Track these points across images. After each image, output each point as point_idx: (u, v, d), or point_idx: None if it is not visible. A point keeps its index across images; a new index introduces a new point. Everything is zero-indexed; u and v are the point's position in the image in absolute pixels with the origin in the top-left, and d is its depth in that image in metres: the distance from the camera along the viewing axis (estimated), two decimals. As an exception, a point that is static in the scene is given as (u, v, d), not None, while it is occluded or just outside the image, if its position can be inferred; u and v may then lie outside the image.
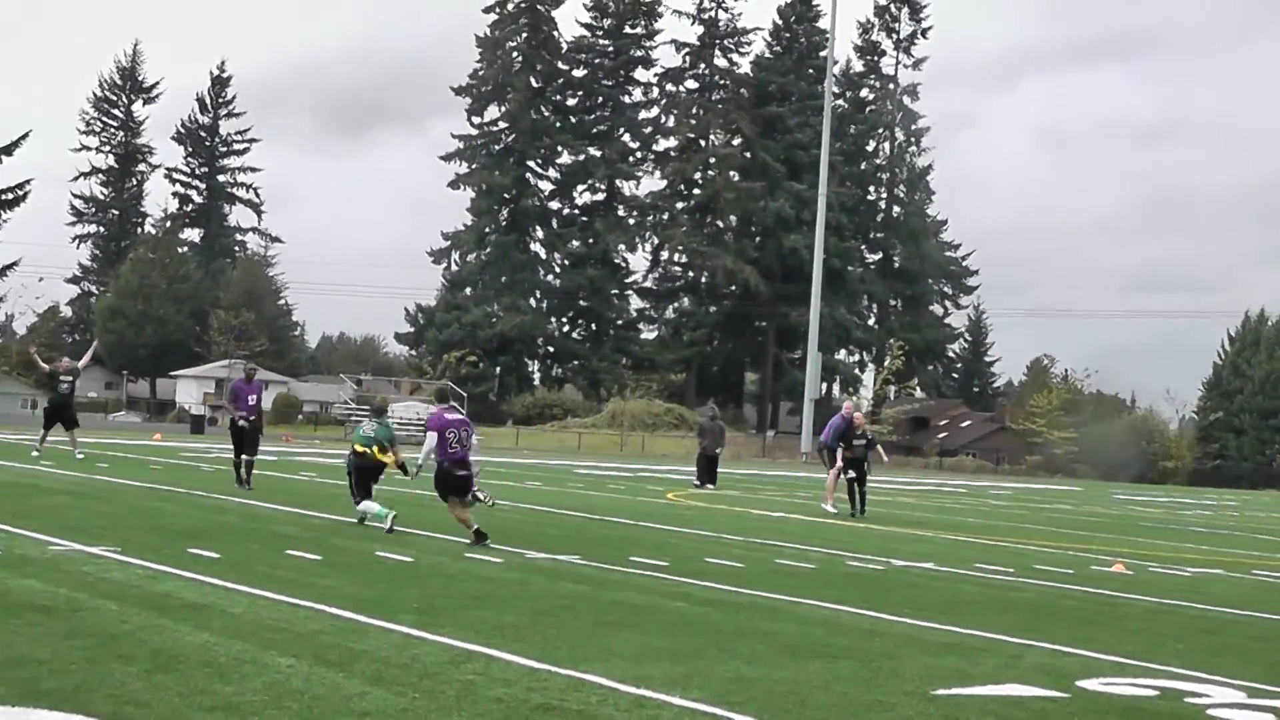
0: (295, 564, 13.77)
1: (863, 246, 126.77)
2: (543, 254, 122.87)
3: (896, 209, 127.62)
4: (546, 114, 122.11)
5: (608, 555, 16.39)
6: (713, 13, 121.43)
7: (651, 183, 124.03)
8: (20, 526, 15.62)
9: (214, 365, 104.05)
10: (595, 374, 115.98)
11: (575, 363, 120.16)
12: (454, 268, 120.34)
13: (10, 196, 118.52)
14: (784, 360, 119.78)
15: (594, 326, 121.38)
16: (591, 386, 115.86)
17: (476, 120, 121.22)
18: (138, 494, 22.54)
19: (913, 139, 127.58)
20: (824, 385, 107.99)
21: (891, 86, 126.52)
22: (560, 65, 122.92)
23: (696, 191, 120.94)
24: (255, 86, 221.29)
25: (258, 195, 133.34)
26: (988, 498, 46.11)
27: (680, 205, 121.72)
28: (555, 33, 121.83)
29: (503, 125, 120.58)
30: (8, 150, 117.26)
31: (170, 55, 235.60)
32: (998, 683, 9.22)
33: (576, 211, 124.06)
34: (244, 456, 24.43)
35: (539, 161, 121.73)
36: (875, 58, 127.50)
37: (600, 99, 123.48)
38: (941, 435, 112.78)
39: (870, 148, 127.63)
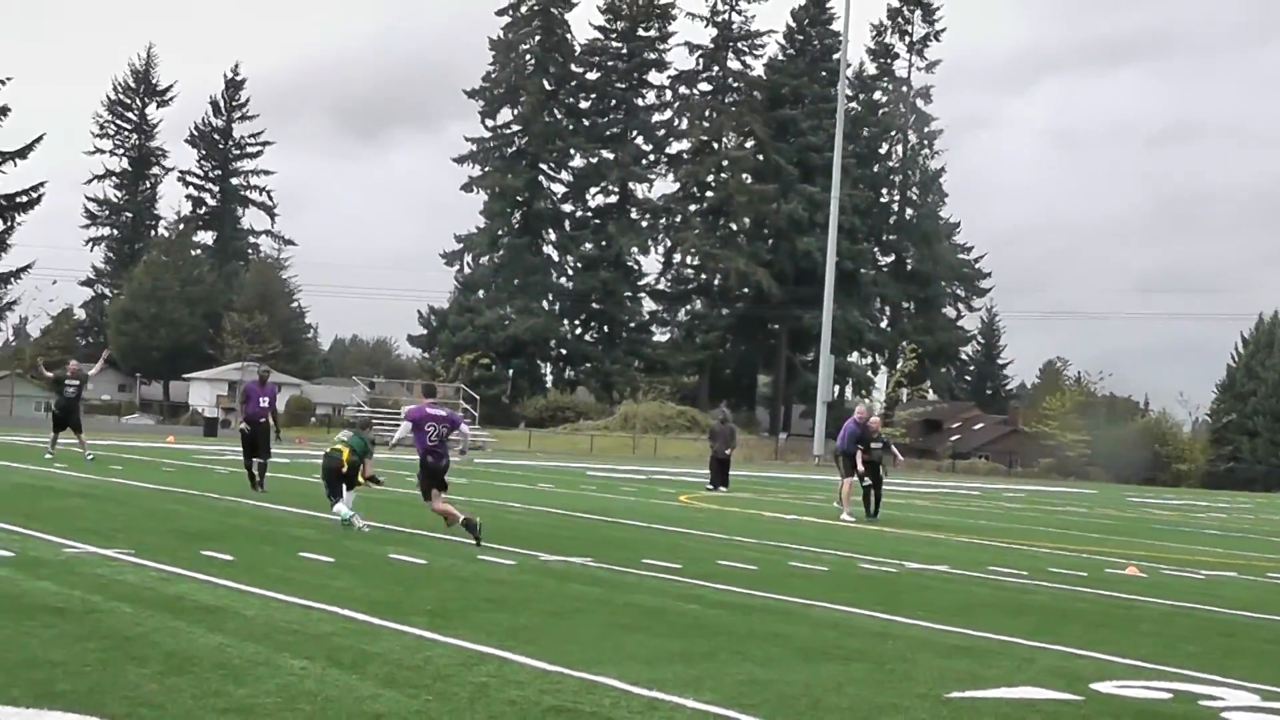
0: (308, 566, 13.79)
1: (875, 249, 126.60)
2: (555, 256, 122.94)
3: (909, 211, 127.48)
4: (559, 116, 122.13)
5: (620, 558, 16.39)
6: (726, 15, 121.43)
7: (664, 185, 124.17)
8: (35, 529, 15.66)
9: (227, 368, 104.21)
10: (608, 376, 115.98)
11: (588, 365, 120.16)
12: (467, 270, 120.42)
13: (24, 199, 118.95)
14: (796, 363, 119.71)
15: (606, 329, 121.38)
16: (604, 389, 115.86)
17: (490, 123, 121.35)
18: (151, 496, 22.58)
19: (926, 141, 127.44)
20: (836, 388, 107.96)
21: (904, 89, 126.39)
22: (573, 68, 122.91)
23: (709, 194, 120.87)
24: (269, 89, 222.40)
25: (271, 198, 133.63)
26: (1000, 500, 46.06)
27: (693, 208, 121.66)
28: (568, 35, 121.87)
29: (516, 128, 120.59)
30: (22, 154, 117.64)
31: (184, 58, 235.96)
32: (1011, 685, 9.21)
33: (589, 214, 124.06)
34: (256, 459, 24.44)
35: (552, 164, 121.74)
36: (888, 60, 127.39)
37: (613, 101, 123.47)
38: (954, 438, 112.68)
39: (883, 150, 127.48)
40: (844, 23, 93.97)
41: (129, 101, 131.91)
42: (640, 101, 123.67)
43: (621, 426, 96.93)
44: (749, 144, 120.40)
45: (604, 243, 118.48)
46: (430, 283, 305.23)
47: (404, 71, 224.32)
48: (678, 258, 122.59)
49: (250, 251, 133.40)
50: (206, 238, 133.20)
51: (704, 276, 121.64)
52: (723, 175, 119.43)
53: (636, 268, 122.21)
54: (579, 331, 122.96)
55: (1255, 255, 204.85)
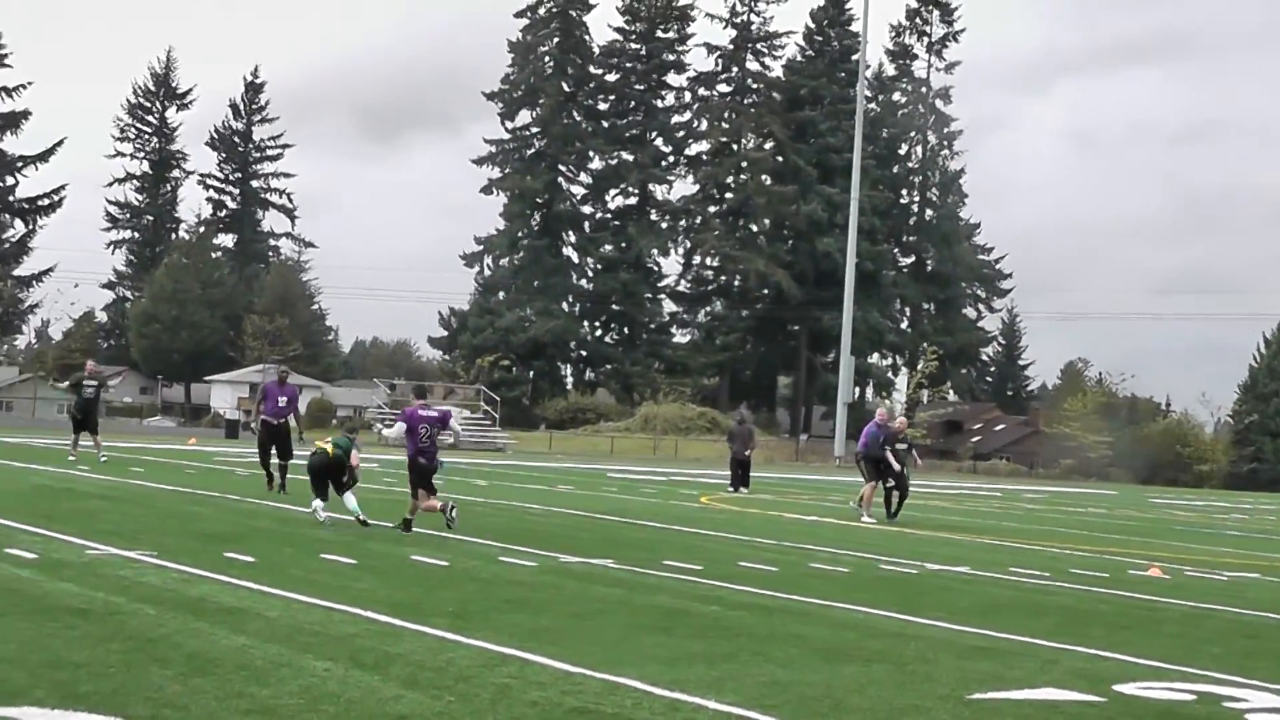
0: (330, 568, 13.81)
1: (895, 250, 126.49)
2: (575, 258, 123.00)
3: (929, 212, 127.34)
4: (578, 118, 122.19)
5: (641, 559, 16.39)
6: (745, 16, 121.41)
7: (684, 186, 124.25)
8: (57, 530, 15.72)
9: (248, 370, 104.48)
10: (628, 378, 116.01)
11: (608, 367, 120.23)
12: (487, 272, 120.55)
13: (46, 203, 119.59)
14: (817, 364, 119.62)
15: (626, 330, 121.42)
16: (624, 390, 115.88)
17: (509, 125, 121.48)
18: (173, 498, 22.64)
19: (945, 142, 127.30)
20: (857, 389, 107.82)
21: (924, 90, 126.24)
22: (592, 69, 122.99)
23: (729, 195, 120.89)
24: (289, 92, 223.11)
25: (291, 201, 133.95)
26: (1021, 501, 45.97)
27: (712, 209, 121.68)
28: (587, 37, 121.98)
29: (535, 130, 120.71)
30: (43, 157, 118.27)
31: (203, 62, 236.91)
32: (1033, 687, 9.19)
33: (609, 215, 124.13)
34: (277, 460, 24.44)
35: (571, 166, 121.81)
36: (907, 61, 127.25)
37: (632, 103, 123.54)
38: (975, 439, 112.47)
39: (903, 151, 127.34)
40: (863, 24, 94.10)
41: (149, 105, 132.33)
42: (659, 103, 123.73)
43: (642, 428, 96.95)
44: (768, 145, 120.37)
45: (624, 244, 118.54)
46: (450, 285, 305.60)
47: (423, 74, 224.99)
48: (697, 259, 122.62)
49: (270, 254, 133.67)
50: (227, 240, 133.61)
51: (724, 278, 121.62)
52: (742, 177, 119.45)
53: (656, 269, 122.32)
54: (599, 333, 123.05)
55: (1277, 255, 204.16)
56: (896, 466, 27.64)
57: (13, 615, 9.70)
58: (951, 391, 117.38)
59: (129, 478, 27.23)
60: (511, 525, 20.81)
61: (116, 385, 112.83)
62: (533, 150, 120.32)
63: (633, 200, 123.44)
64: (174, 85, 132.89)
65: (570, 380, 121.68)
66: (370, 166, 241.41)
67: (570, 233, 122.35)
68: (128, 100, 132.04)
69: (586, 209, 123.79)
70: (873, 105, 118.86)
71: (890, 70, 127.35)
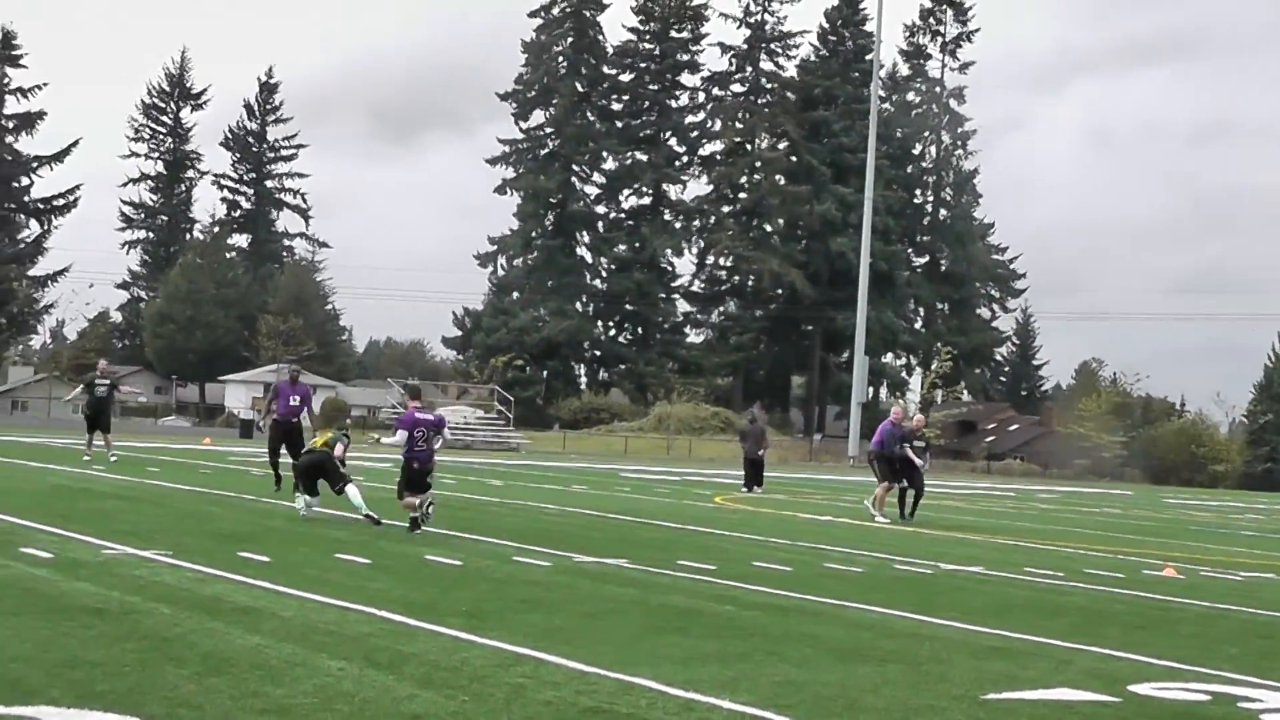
0: (345, 567, 13.84)
1: (909, 250, 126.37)
2: (589, 258, 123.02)
3: (943, 212, 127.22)
4: (592, 118, 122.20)
5: (655, 559, 16.39)
6: (759, 16, 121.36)
7: (697, 187, 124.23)
8: (73, 530, 15.77)
9: (262, 370, 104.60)
10: (642, 378, 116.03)
11: (622, 367, 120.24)
12: (500, 272, 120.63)
13: (61, 203, 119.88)
14: (831, 364, 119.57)
15: (640, 330, 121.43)
16: (638, 390, 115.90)
17: (522, 125, 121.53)
18: (188, 498, 22.69)
19: (959, 142, 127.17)
20: (871, 389, 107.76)
21: (938, 90, 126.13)
22: (606, 69, 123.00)
23: (742, 195, 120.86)
24: (303, 93, 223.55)
25: (305, 201, 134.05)
26: (1035, 501, 45.91)
27: (726, 209, 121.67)
28: (600, 37, 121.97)
29: (548, 130, 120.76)
30: (58, 157, 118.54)
31: (217, 62, 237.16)
32: (1048, 687, 9.18)
33: (623, 215, 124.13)
34: (292, 460, 24.46)
35: (585, 166, 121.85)
36: (921, 61, 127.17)
37: (646, 103, 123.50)
38: (989, 439, 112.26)
39: (916, 151, 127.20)
40: (877, 24, 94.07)
41: (163, 105, 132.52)
42: (673, 103, 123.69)
43: (656, 428, 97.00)
44: (782, 145, 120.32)
45: (637, 244, 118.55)
46: (464, 285, 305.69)
47: (437, 74, 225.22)
48: (711, 259, 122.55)
49: (285, 254, 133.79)
50: (241, 240, 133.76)
51: (737, 278, 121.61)
52: (756, 176, 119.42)
53: (670, 269, 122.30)
54: (613, 333, 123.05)
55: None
56: (919, 462, 27.61)
57: (29, 614, 9.73)
58: (965, 391, 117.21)
59: (145, 477, 27.30)
60: (526, 525, 20.82)
61: (135, 393, 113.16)
62: (546, 150, 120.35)
63: (646, 200, 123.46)
64: (188, 85, 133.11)
65: (584, 380, 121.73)
66: (384, 166, 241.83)
67: (584, 233, 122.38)
68: (142, 100, 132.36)
69: (600, 209, 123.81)
70: (886, 105, 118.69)
71: (904, 70, 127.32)
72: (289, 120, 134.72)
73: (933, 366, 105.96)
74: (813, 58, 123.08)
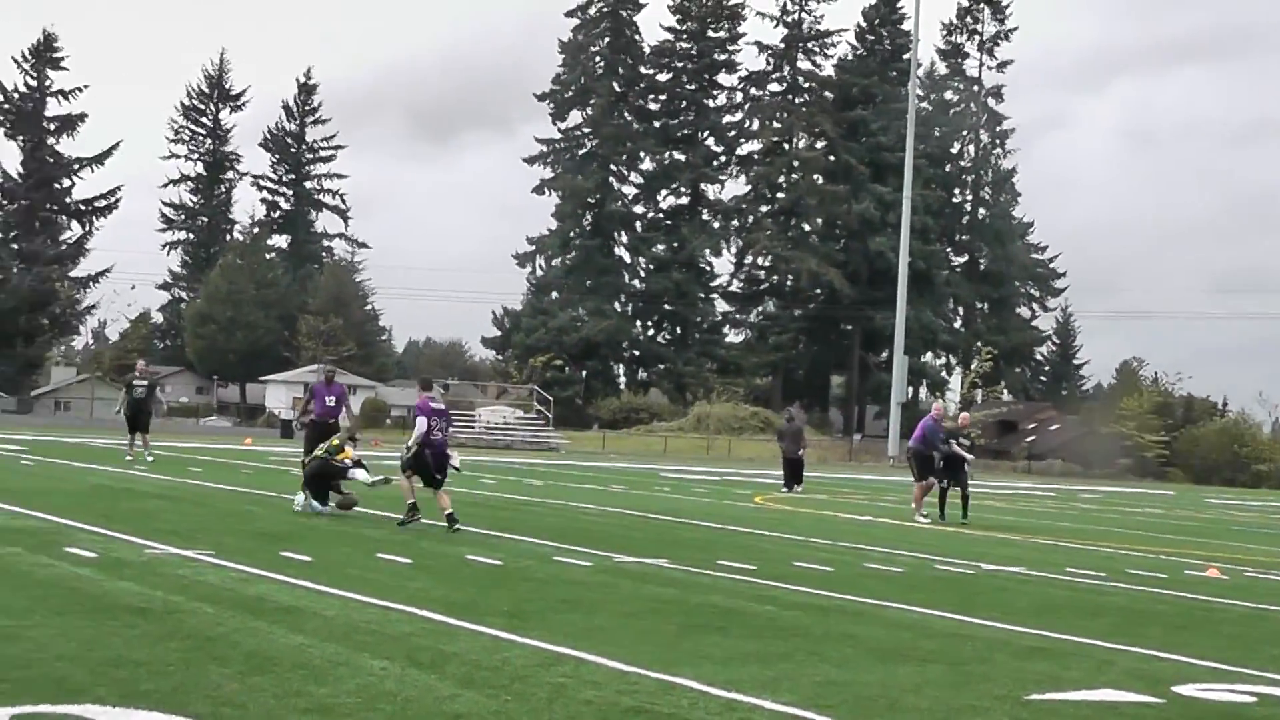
0: (386, 567, 13.88)
1: (948, 249, 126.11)
2: (627, 258, 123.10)
3: (982, 211, 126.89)
4: (629, 118, 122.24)
5: (695, 559, 16.39)
6: (796, 15, 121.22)
7: (735, 186, 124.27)
8: (117, 530, 15.85)
9: (303, 370, 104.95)
10: (681, 378, 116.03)
11: (660, 366, 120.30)
12: (539, 272, 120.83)
13: (102, 204, 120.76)
14: (870, 363, 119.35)
15: (679, 330, 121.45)
16: (677, 390, 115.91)
17: (560, 125, 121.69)
18: (230, 498, 22.80)
19: (998, 141, 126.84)
20: (910, 388, 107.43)
21: (975, 88, 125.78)
22: (643, 69, 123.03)
23: (780, 195, 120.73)
24: (342, 94, 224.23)
25: (344, 201, 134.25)
26: (1076, 501, 45.72)
27: (764, 208, 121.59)
28: (637, 37, 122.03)
29: (586, 130, 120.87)
30: (99, 159, 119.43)
31: (256, 63, 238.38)
32: (1091, 688, 9.14)
33: (661, 215, 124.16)
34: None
35: (622, 166, 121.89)
36: (959, 60, 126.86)
37: (683, 103, 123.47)
38: (1029, 439, 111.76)
39: (955, 150, 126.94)
40: (914, 22, 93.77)
41: (203, 107, 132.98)
42: (710, 103, 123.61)
43: (695, 428, 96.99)
44: (820, 144, 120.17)
45: (675, 244, 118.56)
46: (503, 285, 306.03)
47: (475, 75, 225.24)
48: (749, 259, 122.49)
49: (324, 255, 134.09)
50: (281, 241, 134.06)
51: (776, 277, 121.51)
52: (794, 176, 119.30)
53: (708, 269, 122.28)
54: (651, 333, 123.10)
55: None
56: (970, 457, 27.47)
57: (74, 614, 9.79)
58: (1006, 391, 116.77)
59: (186, 478, 27.45)
60: (566, 525, 20.85)
61: (168, 390, 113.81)
62: (584, 150, 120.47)
63: (684, 200, 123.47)
64: (227, 87, 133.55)
65: (623, 380, 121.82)
66: (423, 167, 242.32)
67: (622, 232, 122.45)
68: (181, 102, 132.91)
69: (638, 209, 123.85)
70: (924, 104, 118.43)
71: (942, 69, 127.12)
72: (328, 121, 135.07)
73: (973, 366, 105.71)
74: (850, 57, 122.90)
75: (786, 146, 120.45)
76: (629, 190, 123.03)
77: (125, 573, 12.19)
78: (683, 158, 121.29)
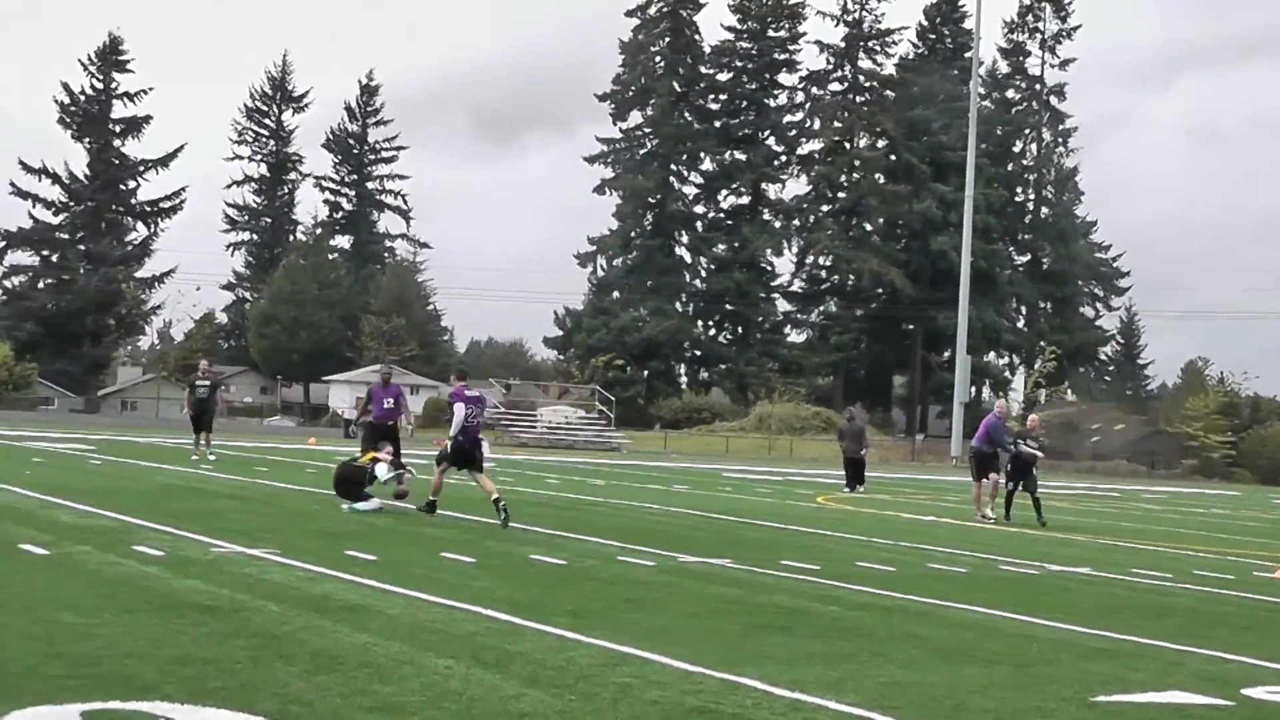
0: (450, 566, 13.93)
1: (1011, 248, 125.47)
2: (688, 258, 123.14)
3: (1045, 210, 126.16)
4: (690, 118, 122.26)
5: (758, 559, 16.37)
6: (857, 14, 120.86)
7: (796, 186, 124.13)
8: (184, 529, 15.98)
9: (365, 370, 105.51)
10: (742, 377, 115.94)
11: (722, 366, 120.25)
12: (600, 272, 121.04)
13: (167, 205, 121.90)
14: (932, 363, 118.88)
15: (740, 330, 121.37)
16: (739, 390, 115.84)
17: (621, 125, 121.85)
18: (295, 497, 22.94)
19: (1060, 139, 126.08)
20: (973, 388, 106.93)
21: (1038, 87, 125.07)
22: (703, 69, 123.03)
23: (842, 194, 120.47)
24: (404, 95, 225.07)
25: (406, 202, 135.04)
26: (1141, 502, 45.38)
27: (825, 208, 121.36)
28: (697, 36, 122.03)
29: (646, 130, 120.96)
30: (164, 161, 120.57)
31: (319, 65, 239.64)
32: (1158, 689, 9.07)
33: (721, 215, 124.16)
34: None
35: (683, 166, 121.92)
36: (1021, 58, 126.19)
37: (744, 102, 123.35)
38: (1094, 439, 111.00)
39: (1017, 148, 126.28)
40: (975, 20, 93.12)
41: (266, 108, 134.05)
42: (771, 102, 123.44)
43: (756, 428, 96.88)
44: (881, 144, 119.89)
45: (736, 244, 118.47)
46: (564, 285, 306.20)
47: (537, 75, 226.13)
48: (811, 258, 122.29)
49: (386, 255, 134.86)
50: (343, 242, 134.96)
51: (837, 277, 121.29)
52: (855, 175, 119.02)
53: (770, 269, 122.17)
54: (713, 333, 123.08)
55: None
56: (1040, 455, 27.33)
57: (141, 611, 9.88)
58: (1069, 391, 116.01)
59: (253, 477, 27.65)
60: (630, 525, 20.87)
61: (232, 390, 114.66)
62: (645, 150, 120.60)
63: (745, 200, 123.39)
64: (290, 89, 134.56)
65: (684, 380, 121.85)
66: (485, 167, 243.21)
67: (682, 232, 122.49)
68: (245, 104, 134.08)
69: (699, 209, 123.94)
70: (986, 103, 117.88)
71: (1003, 68, 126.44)
72: (389, 122, 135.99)
73: (1036, 366, 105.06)
74: (911, 55, 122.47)
75: (847, 146, 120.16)
76: (689, 190, 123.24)
77: (192, 571, 12.28)
78: (743, 157, 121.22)
